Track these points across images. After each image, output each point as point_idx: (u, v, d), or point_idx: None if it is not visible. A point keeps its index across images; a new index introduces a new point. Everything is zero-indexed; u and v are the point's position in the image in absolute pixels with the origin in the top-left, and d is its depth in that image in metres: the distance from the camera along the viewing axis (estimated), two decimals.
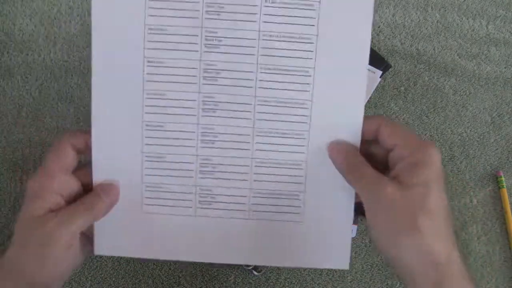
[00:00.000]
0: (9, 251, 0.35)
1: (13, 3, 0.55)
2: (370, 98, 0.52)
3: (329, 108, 0.37)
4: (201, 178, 0.38)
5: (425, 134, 0.52)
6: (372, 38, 0.55)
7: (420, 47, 0.55)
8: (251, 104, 0.37)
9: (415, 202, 0.31)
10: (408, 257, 0.31)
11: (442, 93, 0.54)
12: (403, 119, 0.53)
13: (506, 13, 0.56)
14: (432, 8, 0.56)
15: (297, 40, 0.37)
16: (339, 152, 0.36)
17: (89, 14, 0.55)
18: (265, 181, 0.38)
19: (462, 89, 0.54)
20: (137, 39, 0.37)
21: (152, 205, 0.38)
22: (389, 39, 0.55)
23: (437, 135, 0.52)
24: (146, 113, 0.37)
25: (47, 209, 0.35)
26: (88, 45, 0.54)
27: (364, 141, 0.37)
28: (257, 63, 0.37)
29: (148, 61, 0.37)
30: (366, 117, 0.36)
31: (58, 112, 0.52)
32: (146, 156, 0.38)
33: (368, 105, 0.53)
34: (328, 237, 0.38)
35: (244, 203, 0.38)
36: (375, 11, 0.56)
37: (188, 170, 0.38)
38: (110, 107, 0.38)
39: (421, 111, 0.53)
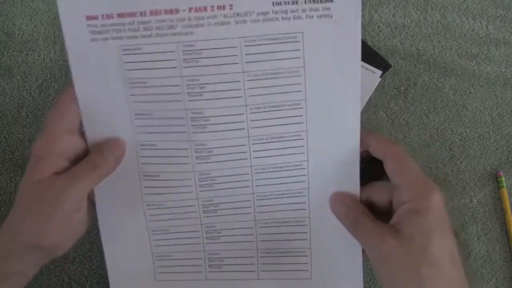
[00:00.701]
0: (10, 215, 0.34)
1: (13, 3, 0.55)
2: (370, 98, 0.52)
3: (324, 150, 0.36)
4: (208, 243, 0.38)
5: (425, 134, 0.52)
6: (372, 38, 0.55)
7: (420, 47, 0.55)
8: (248, 173, 0.37)
9: (416, 253, 0.30)
10: None
11: (442, 93, 0.54)
12: (403, 119, 0.53)
13: (506, 13, 0.56)
14: (432, 8, 0.56)
15: (284, 76, 0.34)
16: (341, 205, 0.35)
17: None
18: (270, 240, 0.38)
19: (462, 89, 0.54)
20: (122, 95, 0.35)
21: (165, 273, 0.39)
22: (389, 39, 0.55)
23: (437, 135, 0.52)
24: (146, 193, 0.37)
25: (51, 171, 0.33)
26: None
27: (365, 187, 0.36)
28: (246, 104, 0.35)
29: (136, 114, 0.35)
30: (375, 139, 0.35)
31: None
32: (152, 231, 0.38)
33: (368, 105, 0.53)
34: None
35: (253, 264, 0.38)
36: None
37: (195, 238, 0.38)
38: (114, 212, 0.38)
39: (421, 111, 0.53)
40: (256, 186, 0.37)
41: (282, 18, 0.33)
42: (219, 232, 0.38)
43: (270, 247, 0.38)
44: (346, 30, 0.33)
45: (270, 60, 0.34)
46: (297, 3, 0.33)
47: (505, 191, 0.50)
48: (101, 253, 0.48)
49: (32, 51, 0.54)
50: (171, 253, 0.39)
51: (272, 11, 0.33)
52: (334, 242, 0.37)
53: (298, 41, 0.33)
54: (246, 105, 0.35)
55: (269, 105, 0.35)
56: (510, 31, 0.56)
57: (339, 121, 0.35)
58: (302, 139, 0.36)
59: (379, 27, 0.56)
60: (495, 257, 0.49)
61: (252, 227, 0.38)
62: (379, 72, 0.52)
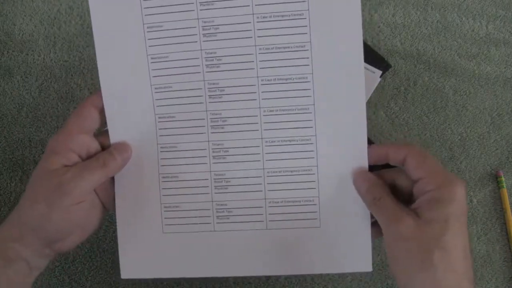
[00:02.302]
0: (19, 202, 0.36)
1: (13, 3, 0.55)
2: (370, 98, 0.52)
3: (332, 111, 0.38)
4: (216, 193, 0.39)
5: (425, 134, 0.52)
6: (372, 38, 0.55)
7: (420, 47, 0.55)
8: (257, 115, 0.38)
9: (431, 238, 0.31)
10: None
11: (442, 93, 0.54)
12: (403, 119, 0.53)
13: (506, 13, 0.56)
14: (432, 8, 0.56)
15: (292, 49, 0.37)
16: (363, 181, 0.36)
17: (89, 14, 0.55)
18: (279, 190, 0.39)
19: (462, 89, 0.54)
20: (143, 66, 0.38)
21: (172, 224, 0.39)
22: (389, 39, 0.55)
23: (437, 135, 0.52)
24: (160, 136, 0.38)
25: (62, 164, 0.36)
26: (88, 45, 0.54)
27: (391, 171, 0.37)
28: (257, 76, 0.38)
29: (156, 88, 0.38)
30: (393, 145, 0.36)
31: (58, 112, 0.52)
32: (162, 177, 0.39)
33: (368, 105, 0.53)
34: (347, 239, 0.38)
35: (261, 214, 0.39)
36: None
37: (204, 187, 0.39)
38: (127, 137, 0.39)
39: (421, 111, 0.53)
40: (265, 130, 0.38)
41: None
42: (227, 182, 0.39)
43: (278, 197, 0.39)
44: (347, 7, 0.36)
45: (280, 35, 0.37)
46: None
47: (505, 191, 0.50)
48: (101, 253, 0.48)
49: (32, 51, 0.54)
50: (179, 203, 0.39)
51: None
52: (342, 191, 0.38)
53: (305, 18, 0.37)
54: (257, 77, 0.38)
55: (278, 78, 0.38)
56: (510, 31, 0.56)
57: (345, 94, 0.37)
58: (310, 113, 0.38)
59: (379, 27, 0.56)
60: (495, 257, 0.49)
61: (260, 176, 0.39)
62: (379, 72, 0.52)
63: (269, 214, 0.39)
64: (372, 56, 0.53)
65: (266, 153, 0.38)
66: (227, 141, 0.38)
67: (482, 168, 0.52)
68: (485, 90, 0.54)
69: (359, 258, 0.38)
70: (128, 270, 0.39)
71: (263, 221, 0.39)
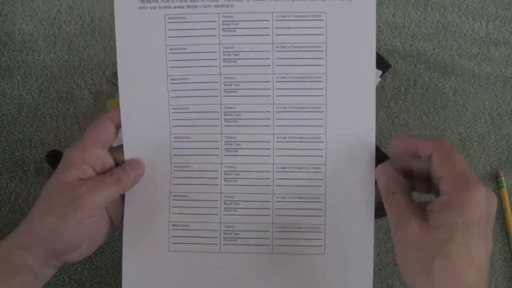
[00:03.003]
0: (30, 213, 0.36)
1: (13, 3, 0.55)
2: None
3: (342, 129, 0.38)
4: (225, 215, 0.39)
5: (425, 134, 0.52)
6: None
7: (420, 47, 0.55)
8: (270, 141, 0.39)
9: (434, 245, 0.30)
10: None
11: (442, 93, 0.54)
12: (403, 119, 0.53)
13: (506, 13, 0.56)
14: (432, 8, 0.56)
15: (308, 49, 0.38)
16: (383, 175, 0.36)
17: (89, 14, 0.56)
18: (286, 215, 0.39)
19: (462, 89, 0.54)
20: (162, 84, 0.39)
21: (179, 243, 0.39)
22: (389, 39, 0.55)
23: (437, 135, 0.52)
24: (174, 155, 0.39)
25: (77, 177, 0.36)
26: (88, 45, 0.54)
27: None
28: (273, 73, 0.38)
29: (173, 108, 0.39)
30: (423, 138, 0.34)
31: (58, 112, 0.52)
32: (173, 195, 0.39)
33: None
34: (350, 267, 0.38)
35: (267, 238, 0.39)
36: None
37: (213, 207, 0.39)
38: (142, 154, 0.39)
39: (421, 111, 0.53)
40: (277, 156, 0.39)
41: None
42: (237, 204, 0.39)
43: (285, 222, 0.39)
44: (362, 11, 0.37)
45: (297, 35, 0.38)
46: None
47: (505, 191, 0.50)
48: (101, 253, 0.48)
49: (32, 51, 0.54)
50: (188, 222, 0.39)
51: None
52: (347, 219, 0.38)
53: (322, 20, 0.38)
54: (273, 74, 0.38)
55: (292, 76, 0.38)
56: (510, 31, 0.56)
57: (356, 96, 0.38)
58: (322, 111, 0.38)
59: (379, 27, 0.56)
60: (495, 257, 0.49)
61: (269, 201, 0.39)
62: (379, 72, 0.52)
63: (276, 238, 0.39)
64: None
65: (277, 179, 0.39)
66: (239, 164, 0.39)
67: (482, 168, 0.52)
68: (485, 90, 0.54)
69: (361, 284, 0.38)
70: (131, 286, 0.39)
71: (269, 245, 0.39)
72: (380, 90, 0.53)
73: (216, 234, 0.39)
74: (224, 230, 0.39)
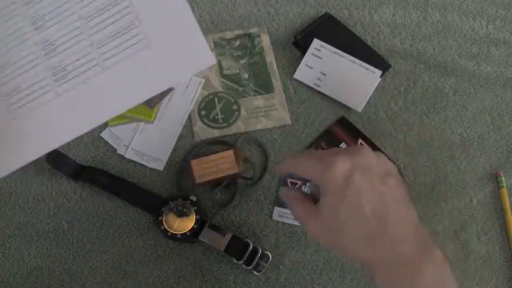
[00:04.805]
0: None
1: None
2: (370, 98, 0.52)
3: None
4: (48, 60, 0.39)
5: (425, 134, 0.52)
6: (372, 38, 0.55)
7: (420, 47, 0.55)
8: None
9: (327, 216, 0.35)
10: None
11: (442, 93, 0.54)
12: (403, 119, 0.53)
13: (506, 13, 0.56)
14: (432, 8, 0.57)
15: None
16: (286, 197, 0.39)
17: None
18: (101, 30, 0.40)
19: (462, 89, 0.54)
20: None
21: (20, 107, 0.39)
22: (389, 39, 0.55)
23: (437, 135, 0.52)
24: None
25: None
26: None
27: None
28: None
29: None
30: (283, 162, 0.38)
31: None
32: None
33: (368, 105, 0.53)
34: (182, 45, 0.39)
35: (93, 58, 0.39)
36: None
37: (35, 59, 0.40)
38: None
39: (421, 111, 0.53)
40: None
41: None
42: (53, 45, 0.40)
43: (103, 36, 0.40)
44: None
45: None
46: None
47: (505, 191, 0.50)
48: (101, 253, 0.48)
49: None
50: (19, 84, 0.39)
51: None
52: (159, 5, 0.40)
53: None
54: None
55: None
56: (510, 31, 0.56)
57: None
58: None
59: (379, 27, 0.56)
60: (495, 257, 0.49)
61: (79, 27, 0.40)
62: (379, 72, 0.52)
63: (102, 54, 0.40)
64: (372, 56, 0.53)
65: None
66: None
67: (482, 168, 0.52)
68: (485, 90, 0.54)
69: (200, 55, 0.39)
70: None
71: (97, 64, 0.40)
72: (380, 90, 0.53)
73: (47, 81, 0.39)
74: (53, 73, 0.40)
